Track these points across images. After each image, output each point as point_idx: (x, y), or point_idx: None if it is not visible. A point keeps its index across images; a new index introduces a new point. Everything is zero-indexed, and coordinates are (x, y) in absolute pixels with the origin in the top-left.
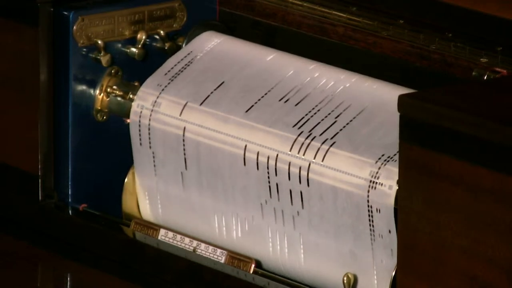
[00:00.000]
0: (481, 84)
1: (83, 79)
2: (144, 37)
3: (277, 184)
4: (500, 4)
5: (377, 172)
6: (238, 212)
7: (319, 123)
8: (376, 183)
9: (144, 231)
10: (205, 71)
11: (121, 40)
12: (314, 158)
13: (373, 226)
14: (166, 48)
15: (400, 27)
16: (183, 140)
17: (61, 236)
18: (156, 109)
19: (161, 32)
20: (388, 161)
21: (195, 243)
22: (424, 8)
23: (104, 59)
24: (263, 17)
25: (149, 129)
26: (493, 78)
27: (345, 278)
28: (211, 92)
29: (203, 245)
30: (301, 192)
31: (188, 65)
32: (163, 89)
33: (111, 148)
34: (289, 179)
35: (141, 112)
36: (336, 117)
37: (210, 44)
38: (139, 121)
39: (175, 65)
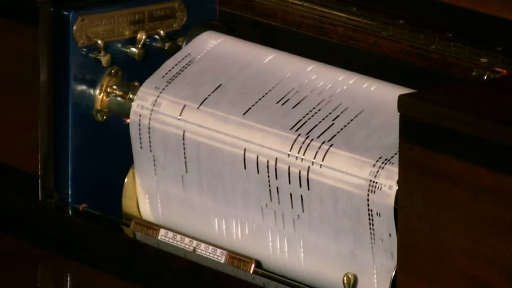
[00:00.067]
0: (481, 84)
1: (83, 79)
2: (144, 37)
3: (277, 188)
4: (500, 4)
5: (377, 172)
6: (238, 215)
7: (316, 125)
8: (376, 183)
9: (144, 231)
10: (204, 73)
11: (121, 40)
12: (314, 158)
13: (373, 229)
14: (166, 48)
15: (400, 27)
16: (183, 140)
17: (61, 236)
18: (156, 109)
19: (161, 32)
20: (386, 163)
21: (195, 243)
22: (424, 8)
23: (104, 59)
24: (263, 17)
25: (149, 129)
26: (493, 78)
27: (345, 278)
28: (209, 95)
29: (203, 245)
30: (301, 196)
31: (189, 65)
32: (163, 89)
33: (111, 148)
34: (289, 182)
35: (141, 112)
36: (333, 119)
37: (209, 45)
38: (139, 121)
39: (176, 64)
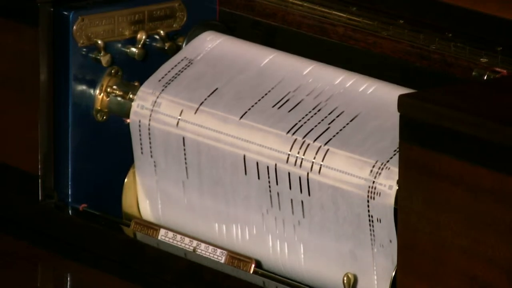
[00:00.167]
0: (481, 84)
1: (83, 79)
2: (144, 37)
3: (278, 194)
4: (500, 4)
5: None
6: (239, 220)
7: (312, 128)
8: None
9: (144, 231)
10: (202, 75)
11: (121, 40)
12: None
13: (374, 236)
14: (166, 48)
15: (400, 27)
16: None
17: (61, 236)
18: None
19: (161, 32)
20: (382, 168)
21: (195, 243)
22: (424, 8)
23: (104, 59)
24: (263, 17)
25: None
26: (493, 78)
27: (345, 278)
28: (205, 99)
29: (203, 245)
30: (302, 202)
31: (189, 65)
32: (163, 89)
33: (111, 148)
34: (290, 187)
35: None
36: (329, 123)
37: (208, 46)
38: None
39: (176, 65)
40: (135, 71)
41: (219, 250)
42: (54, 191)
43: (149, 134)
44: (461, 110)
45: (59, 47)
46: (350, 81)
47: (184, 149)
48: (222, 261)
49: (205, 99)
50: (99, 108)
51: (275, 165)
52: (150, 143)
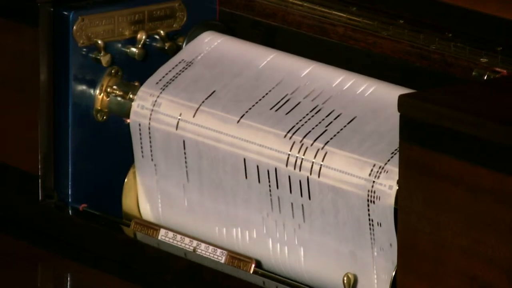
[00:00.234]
0: (481, 84)
1: (83, 79)
2: (144, 37)
3: (278, 198)
4: (500, 4)
5: (377, 172)
6: (239, 223)
7: (310, 131)
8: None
9: (144, 231)
10: (201, 76)
11: (121, 40)
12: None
13: (374, 239)
14: (166, 48)
15: (400, 27)
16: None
17: (61, 236)
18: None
19: (161, 32)
20: (382, 168)
21: (195, 243)
22: (424, 8)
23: (104, 59)
24: (263, 17)
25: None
26: (493, 78)
27: (345, 278)
28: (203, 101)
29: (203, 245)
30: (302, 206)
31: (189, 66)
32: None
33: (111, 148)
34: (290, 190)
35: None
36: (326, 126)
37: (207, 47)
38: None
39: (176, 65)
40: (135, 71)
41: (219, 250)
42: (54, 191)
43: (149, 134)
44: (461, 110)
45: (59, 47)
46: (349, 83)
47: (185, 149)
48: (222, 261)
49: (205, 100)
50: (99, 108)
51: (275, 169)
52: (150, 143)
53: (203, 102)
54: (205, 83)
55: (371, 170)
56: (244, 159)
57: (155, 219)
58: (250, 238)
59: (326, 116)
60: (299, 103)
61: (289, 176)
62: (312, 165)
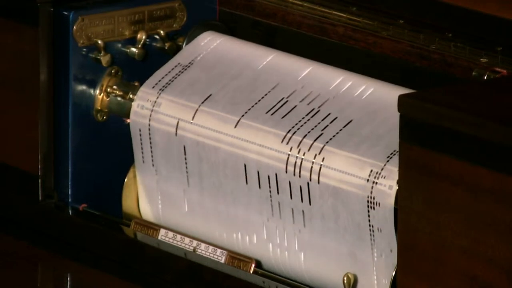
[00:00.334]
0: (481, 84)
1: (83, 79)
2: (144, 37)
3: (279, 203)
4: (500, 4)
5: (377, 172)
6: (240, 227)
7: (306, 135)
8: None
9: (144, 231)
10: (199, 78)
11: (121, 40)
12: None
13: (374, 245)
14: (166, 48)
15: (400, 27)
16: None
17: (61, 236)
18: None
19: (161, 32)
20: (379, 174)
21: (195, 243)
22: (424, 8)
23: (104, 59)
24: (263, 17)
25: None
26: (493, 78)
27: (345, 278)
28: (201, 103)
29: (203, 245)
30: (303, 211)
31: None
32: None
33: (111, 148)
34: (291, 195)
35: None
36: (322, 130)
37: (206, 47)
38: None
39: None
40: (135, 71)
41: (219, 250)
42: (54, 191)
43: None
44: (461, 110)
45: (59, 47)
46: (347, 84)
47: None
48: (222, 261)
49: (205, 100)
50: (99, 108)
51: (276, 174)
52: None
53: (203, 102)
54: (202, 85)
55: (371, 171)
56: (245, 165)
57: (154, 217)
58: (251, 243)
59: (322, 120)
60: (295, 106)
61: (289, 182)
62: (312, 167)
